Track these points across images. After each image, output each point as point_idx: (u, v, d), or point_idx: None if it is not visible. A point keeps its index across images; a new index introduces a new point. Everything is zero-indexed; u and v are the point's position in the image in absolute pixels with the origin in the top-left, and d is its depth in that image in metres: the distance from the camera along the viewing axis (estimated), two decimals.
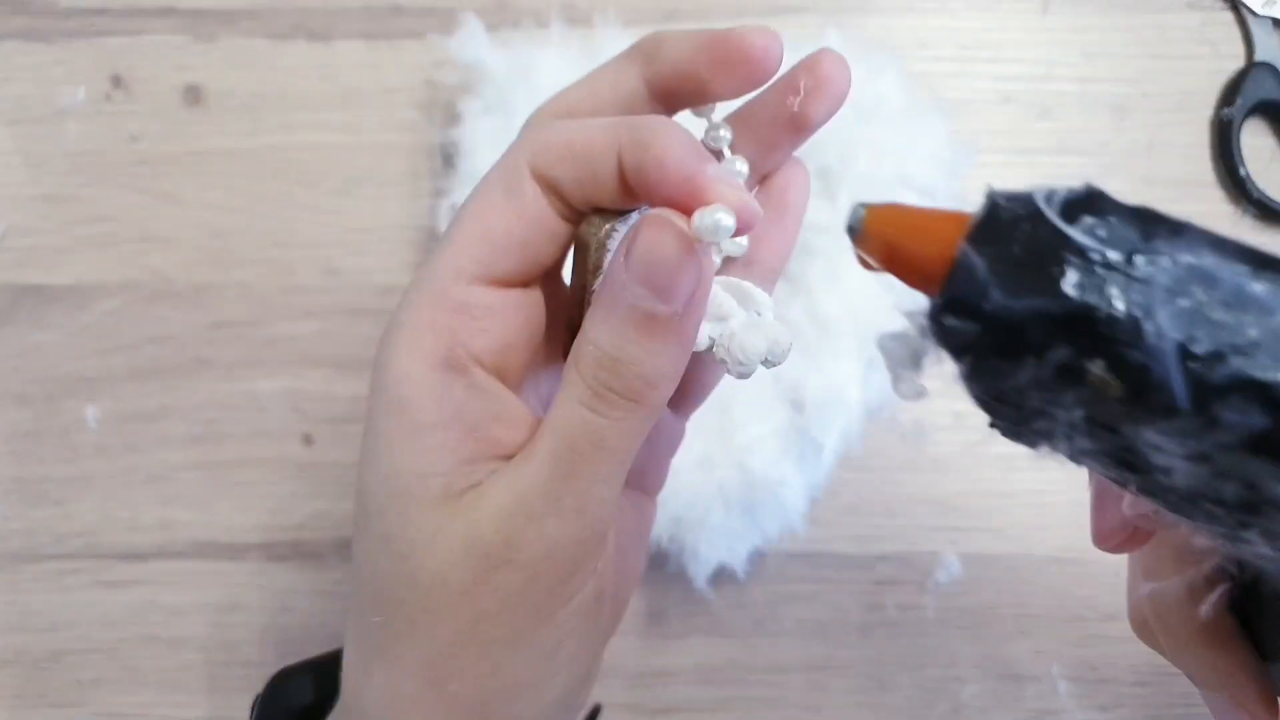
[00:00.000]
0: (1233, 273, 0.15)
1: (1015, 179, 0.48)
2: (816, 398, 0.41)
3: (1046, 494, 0.44)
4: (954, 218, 0.17)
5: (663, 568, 0.42)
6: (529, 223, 0.23)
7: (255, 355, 0.45)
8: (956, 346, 0.17)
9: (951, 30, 0.48)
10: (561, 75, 0.43)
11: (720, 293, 0.23)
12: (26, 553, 0.44)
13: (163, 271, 0.46)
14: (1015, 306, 0.15)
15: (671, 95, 0.25)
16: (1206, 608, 0.24)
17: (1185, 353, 0.14)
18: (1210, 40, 0.47)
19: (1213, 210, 0.46)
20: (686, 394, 0.28)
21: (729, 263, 0.26)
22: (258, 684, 0.43)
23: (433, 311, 0.22)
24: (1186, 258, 0.15)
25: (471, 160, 0.43)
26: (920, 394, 0.19)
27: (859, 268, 0.19)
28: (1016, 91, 0.47)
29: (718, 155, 0.25)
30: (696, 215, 0.20)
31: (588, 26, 0.45)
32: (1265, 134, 0.47)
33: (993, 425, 0.18)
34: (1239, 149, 0.45)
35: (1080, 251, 0.15)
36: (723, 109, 0.25)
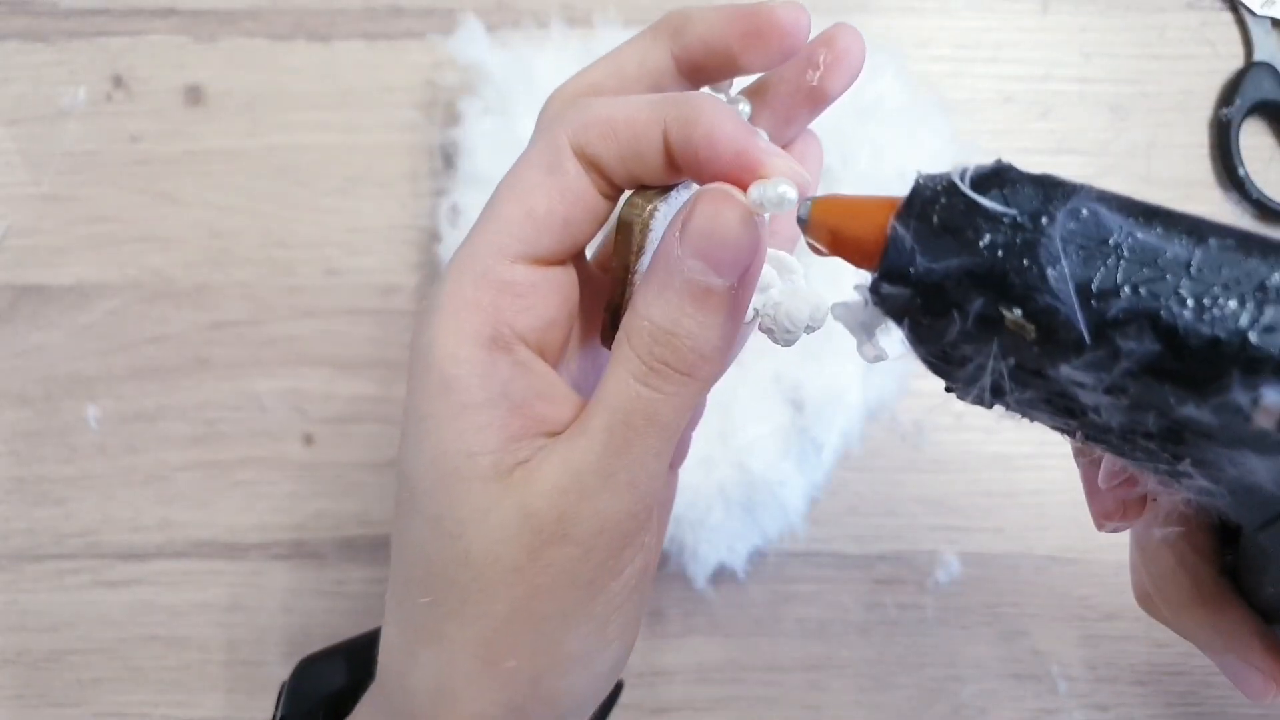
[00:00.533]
0: (1123, 222, 0.17)
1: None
2: (816, 398, 0.41)
3: (1046, 494, 0.44)
4: (886, 201, 0.19)
5: (663, 567, 0.42)
6: (571, 201, 0.23)
7: (255, 355, 0.45)
8: (895, 311, 0.19)
9: (951, 30, 0.48)
10: (561, 75, 0.43)
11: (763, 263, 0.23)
12: (27, 552, 0.44)
13: (163, 271, 0.46)
14: (936, 268, 0.17)
15: (699, 70, 0.25)
16: (1164, 533, 0.24)
17: (1084, 292, 0.16)
18: (1209, 40, 0.47)
19: (1212, 210, 0.46)
20: None
21: None
22: (258, 683, 0.43)
23: (476, 290, 0.22)
24: (1082, 212, 0.17)
25: (471, 160, 0.43)
26: (880, 357, 0.21)
27: (812, 250, 0.21)
28: (1016, 91, 0.47)
29: None
30: (755, 188, 0.20)
31: (588, 27, 0.45)
32: (1264, 134, 0.47)
33: (948, 389, 0.20)
34: (1238, 149, 0.46)
35: (989, 216, 0.17)
36: (738, 84, 0.25)
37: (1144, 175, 0.46)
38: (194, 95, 0.47)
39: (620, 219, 0.23)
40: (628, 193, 0.24)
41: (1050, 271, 0.16)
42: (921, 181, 0.18)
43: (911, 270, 0.18)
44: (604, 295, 0.25)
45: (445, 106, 0.46)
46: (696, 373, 0.22)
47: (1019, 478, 0.44)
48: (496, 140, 0.42)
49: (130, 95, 0.47)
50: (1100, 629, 0.43)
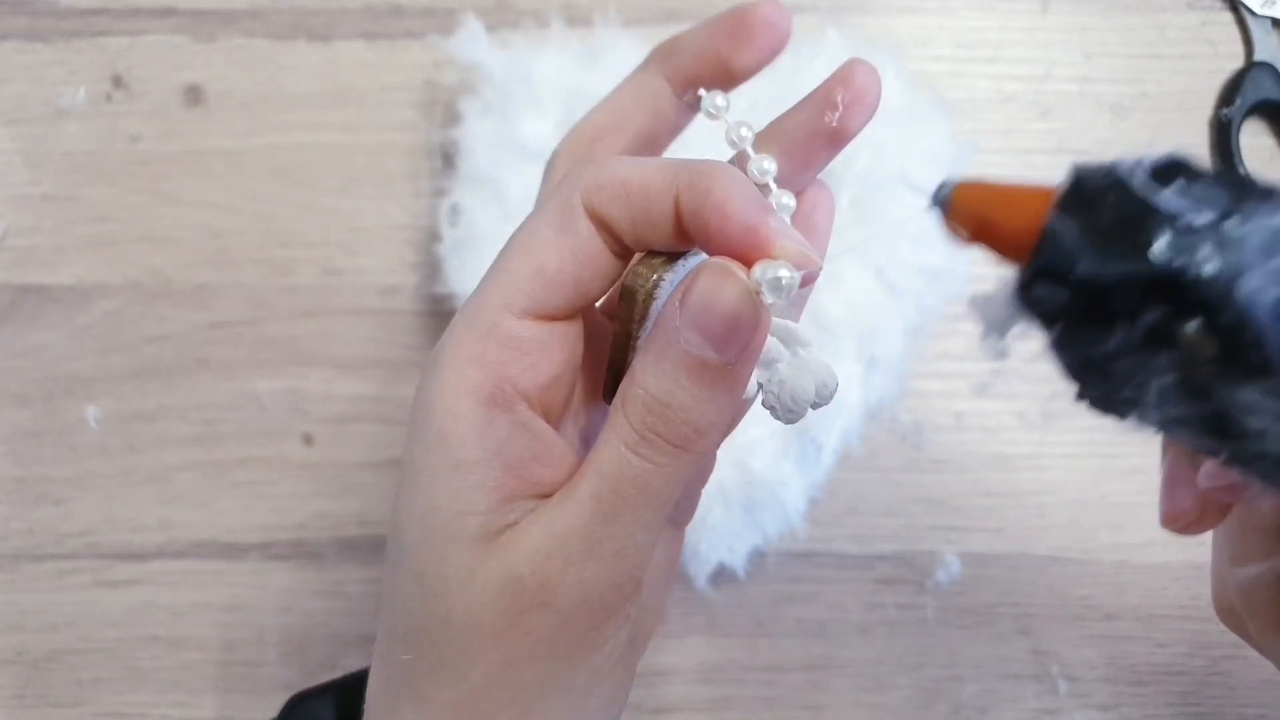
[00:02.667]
0: None
1: (1015, 178, 0.49)
2: None
3: (1046, 494, 0.44)
4: (1041, 191, 0.17)
5: None
6: (582, 260, 0.22)
7: (255, 355, 0.45)
8: (1047, 314, 0.17)
9: (951, 30, 0.48)
10: (561, 75, 0.43)
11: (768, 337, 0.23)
12: (27, 552, 0.44)
13: (163, 271, 0.46)
14: (1105, 272, 0.15)
15: (693, 83, 0.25)
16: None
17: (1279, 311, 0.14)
18: (1210, 40, 0.47)
19: None
20: None
21: None
22: (257, 683, 0.43)
23: (481, 345, 0.22)
24: (1278, 219, 0.15)
25: (471, 160, 0.43)
26: (1003, 354, 0.19)
27: (950, 238, 0.19)
28: (1016, 91, 0.47)
29: (741, 156, 0.24)
30: (759, 268, 0.20)
31: (588, 26, 0.45)
32: (1264, 134, 0.47)
33: (1080, 397, 0.18)
34: (1238, 149, 0.46)
35: (1169, 216, 0.15)
36: (739, 110, 0.25)
37: None
38: (194, 95, 0.47)
39: (625, 286, 0.23)
40: (639, 255, 0.23)
41: (1242, 284, 0.14)
42: (1085, 173, 0.17)
43: (1073, 272, 0.16)
44: (610, 348, 0.24)
45: (445, 106, 0.45)
46: (690, 446, 0.21)
47: (1019, 478, 0.44)
48: (496, 140, 0.42)
49: (130, 95, 0.47)
50: (1100, 629, 0.43)
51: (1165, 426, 0.17)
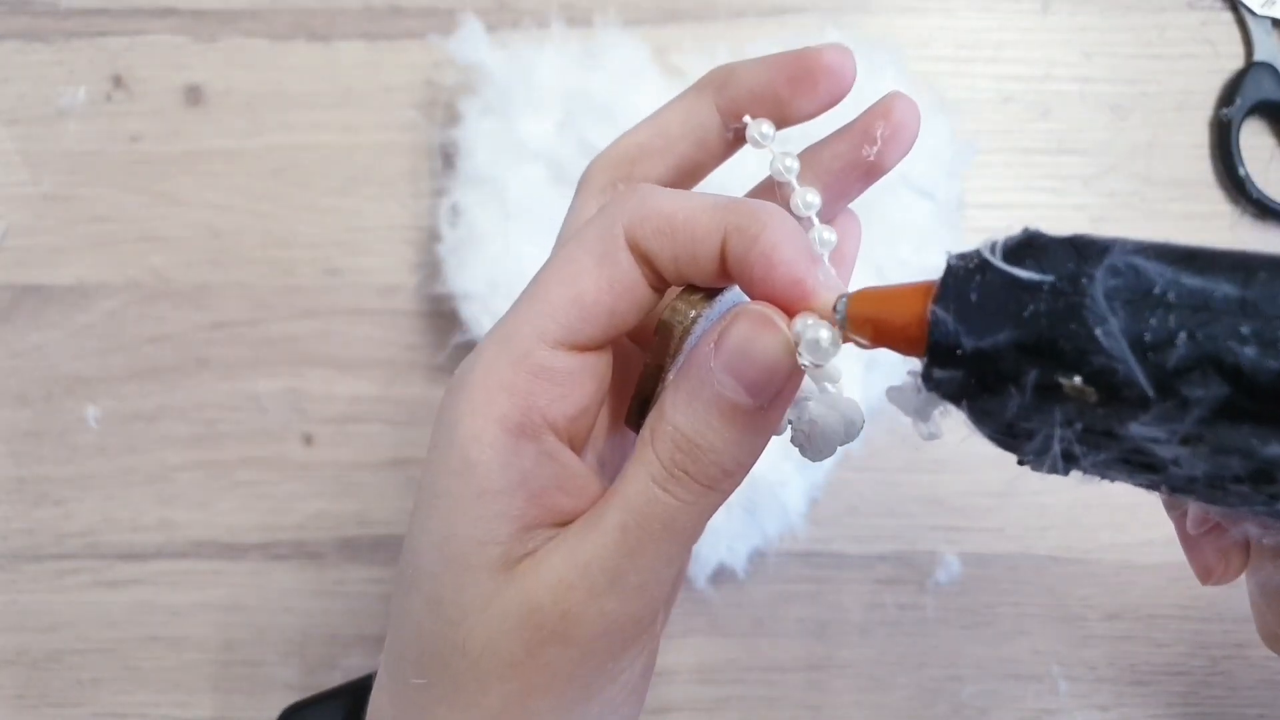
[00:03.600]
0: (1164, 270, 0.16)
1: (1015, 178, 0.49)
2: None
3: (1045, 494, 0.44)
4: (921, 287, 0.19)
5: None
6: (619, 291, 0.22)
7: (255, 355, 0.45)
8: (951, 395, 0.18)
9: (951, 30, 0.48)
10: (561, 75, 0.43)
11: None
12: (27, 552, 0.44)
13: (163, 271, 0.46)
14: (984, 346, 0.17)
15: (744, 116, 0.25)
16: None
17: (1139, 346, 0.16)
18: (1210, 40, 0.47)
19: (1212, 210, 0.46)
20: None
21: None
22: (258, 683, 0.43)
23: (513, 373, 0.22)
24: (1120, 267, 0.16)
25: (471, 160, 0.43)
26: (935, 436, 0.20)
27: (856, 346, 0.21)
28: (1016, 91, 0.47)
29: (785, 188, 0.24)
30: (800, 322, 0.20)
31: (587, 27, 0.45)
32: (1264, 134, 0.47)
33: (1020, 462, 0.19)
34: (1238, 149, 0.45)
35: (1027, 286, 0.17)
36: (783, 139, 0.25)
37: (1144, 175, 0.46)
38: (194, 95, 0.47)
39: (662, 320, 0.23)
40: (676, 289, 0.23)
41: (1099, 332, 0.16)
42: (953, 262, 0.18)
43: (959, 351, 0.17)
44: (636, 375, 0.24)
45: (445, 106, 0.45)
46: (717, 485, 0.21)
47: (1019, 478, 0.44)
48: (496, 140, 0.42)
49: (130, 95, 0.47)
50: (1100, 629, 0.43)
51: (1102, 472, 0.18)
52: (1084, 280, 0.16)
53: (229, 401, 0.45)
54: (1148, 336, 0.16)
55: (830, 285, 0.20)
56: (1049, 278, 0.17)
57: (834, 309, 0.20)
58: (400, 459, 0.44)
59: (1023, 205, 0.46)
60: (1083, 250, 0.17)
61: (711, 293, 0.23)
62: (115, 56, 0.47)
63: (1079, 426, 0.17)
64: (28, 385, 0.45)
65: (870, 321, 0.20)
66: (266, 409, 0.45)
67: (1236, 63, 0.47)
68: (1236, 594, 0.43)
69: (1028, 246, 0.17)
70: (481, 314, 0.42)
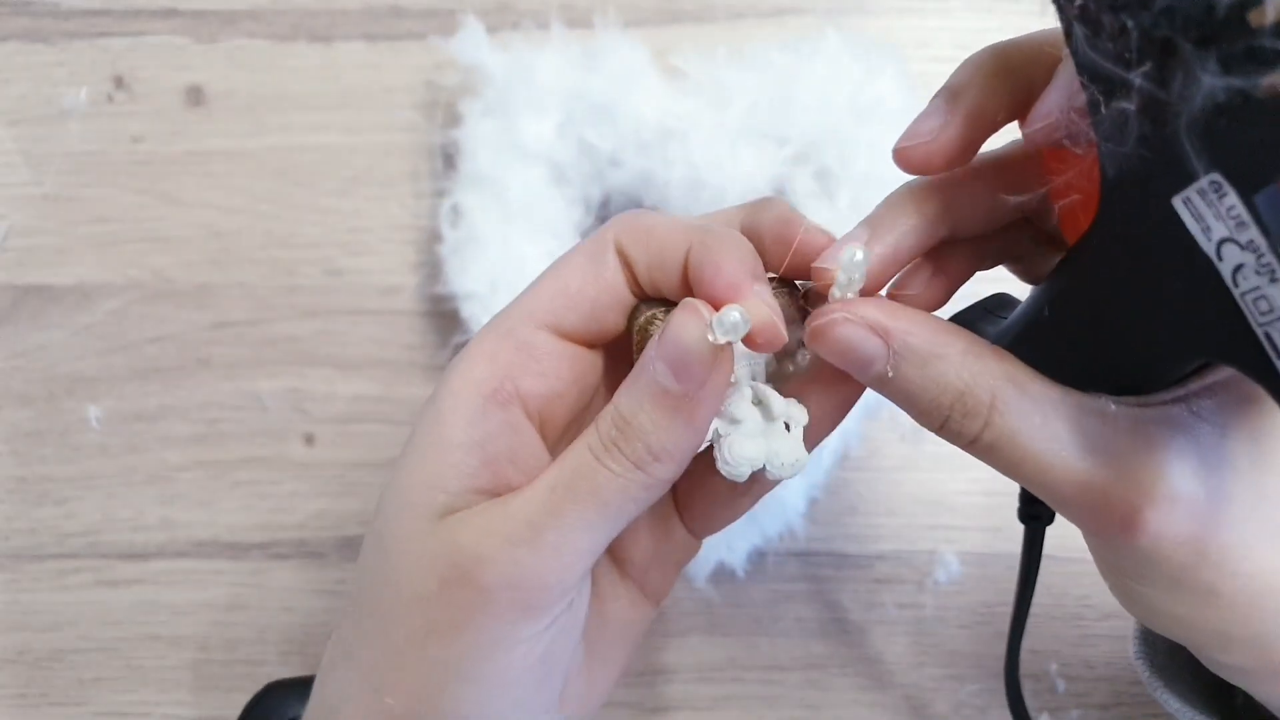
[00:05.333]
0: None
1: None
2: None
3: None
4: None
5: None
6: (602, 286, 0.25)
7: (256, 355, 0.45)
8: None
9: (950, 30, 0.48)
10: (561, 77, 0.43)
11: (744, 399, 0.25)
12: (29, 552, 0.44)
13: (164, 271, 0.46)
14: None
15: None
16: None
17: None
18: None
19: None
20: (701, 513, 0.28)
21: (789, 379, 0.26)
22: (259, 683, 0.43)
23: (496, 344, 0.24)
24: None
25: (472, 161, 0.43)
26: None
27: None
28: None
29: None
30: (720, 312, 0.22)
31: (587, 28, 0.45)
32: None
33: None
34: None
35: None
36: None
37: None
38: (195, 96, 0.47)
39: (628, 324, 0.25)
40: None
41: None
42: None
43: None
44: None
45: (446, 107, 0.46)
46: (644, 466, 0.23)
47: None
48: (497, 141, 0.43)
49: (131, 96, 0.47)
50: (1099, 628, 0.43)
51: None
52: None
53: (230, 401, 0.45)
54: None
55: (760, 294, 0.23)
56: None
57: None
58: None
59: None
60: None
61: (670, 306, 0.24)
62: (117, 57, 0.47)
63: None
64: (30, 385, 0.45)
65: None
66: (268, 409, 0.45)
67: None
68: None
69: None
70: (482, 314, 0.42)
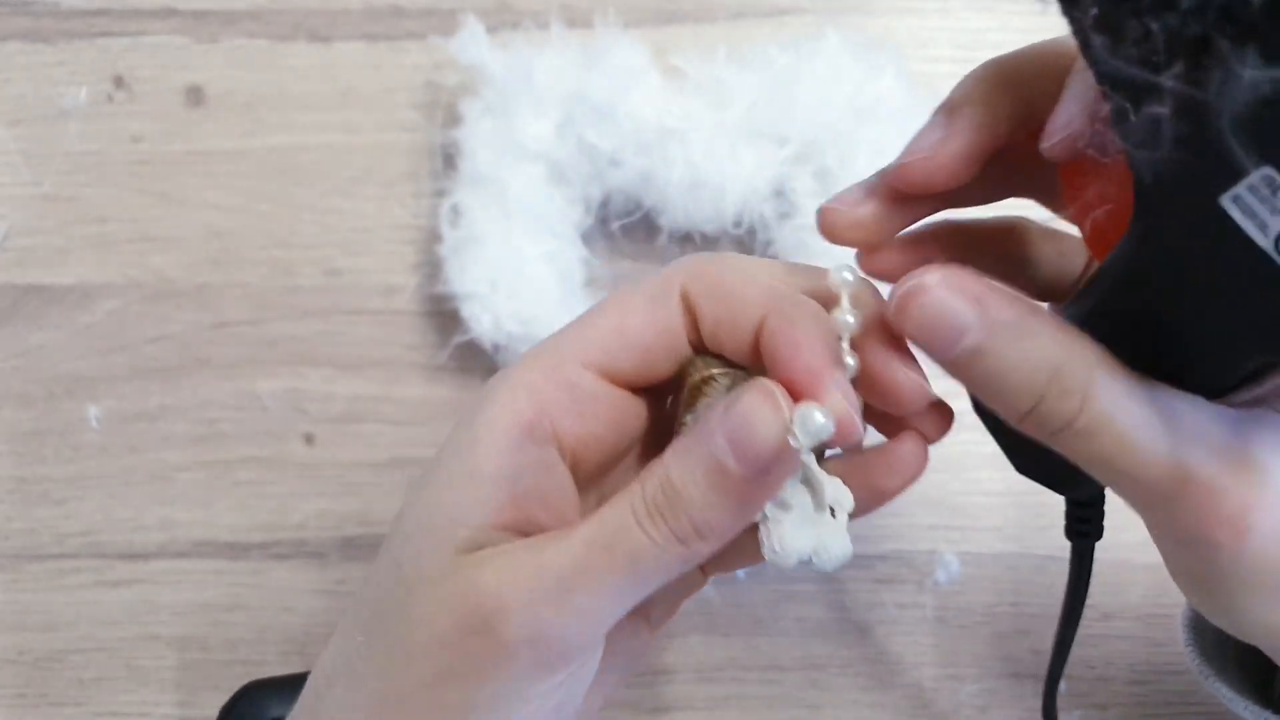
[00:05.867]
0: None
1: None
2: None
3: (1045, 493, 0.43)
4: None
5: None
6: (660, 332, 0.24)
7: (256, 355, 0.45)
8: None
9: (951, 30, 0.48)
10: (561, 77, 0.43)
11: (795, 481, 0.23)
12: (28, 552, 0.44)
13: (164, 271, 0.46)
14: None
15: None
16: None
17: None
18: None
19: None
20: (719, 560, 0.27)
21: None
22: None
23: (542, 377, 0.23)
24: None
25: (472, 161, 0.43)
26: None
27: None
28: None
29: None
30: (801, 406, 0.21)
31: (587, 28, 0.45)
32: None
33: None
34: None
35: None
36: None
37: None
38: (195, 96, 0.47)
39: (680, 371, 0.24)
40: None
41: None
42: None
43: None
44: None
45: (446, 107, 0.46)
46: (687, 540, 0.22)
47: (1018, 478, 0.44)
48: (497, 141, 0.42)
49: (131, 96, 0.47)
50: (1099, 628, 0.43)
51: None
52: None
53: (230, 401, 0.45)
54: None
55: (841, 388, 0.21)
56: None
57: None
58: (401, 458, 0.44)
59: (1022, 205, 0.46)
60: None
61: (730, 367, 0.24)
62: (116, 57, 0.47)
63: None
64: (29, 385, 0.45)
65: None
66: (268, 409, 0.45)
67: None
68: None
69: None
70: (482, 314, 0.42)
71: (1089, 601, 0.43)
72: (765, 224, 0.44)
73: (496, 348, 0.42)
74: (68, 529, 0.44)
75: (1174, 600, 0.43)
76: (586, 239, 0.45)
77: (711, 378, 0.23)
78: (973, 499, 0.44)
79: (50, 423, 0.45)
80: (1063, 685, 0.43)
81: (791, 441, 0.21)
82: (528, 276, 0.42)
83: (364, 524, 0.44)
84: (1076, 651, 0.43)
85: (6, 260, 0.46)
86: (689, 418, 0.24)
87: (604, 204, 0.44)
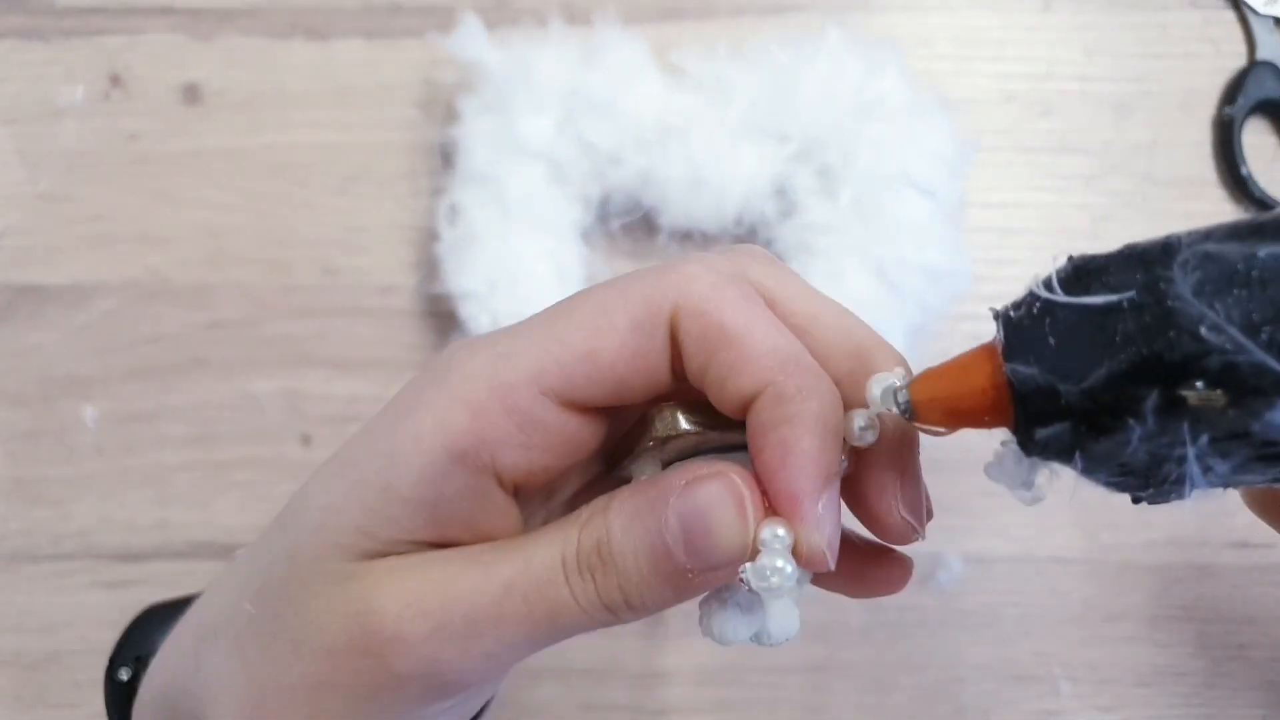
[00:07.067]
0: (1238, 248, 0.15)
1: (1016, 177, 0.48)
2: None
3: (1047, 495, 0.43)
4: (981, 352, 0.18)
5: None
6: (639, 367, 0.20)
7: (253, 355, 0.45)
8: (1060, 450, 0.17)
9: (953, 28, 0.47)
10: (560, 74, 0.42)
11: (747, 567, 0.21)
12: (24, 553, 0.44)
13: (160, 271, 0.45)
14: (1086, 386, 0.16)
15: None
16: None
17: (1251, 329, 0.15)
18: (1212, 39, 0.47)
19: (1214, 209, 0.46)
20: None
21: None
22: None
23: (489, 397, 0.20)
24: (1193, 259, 0.15)
25: (470, 159, 0.42)
26: (1039, 499, 0.20)
27: (925, 430, 0.20)
28: (1018, 90, 0.47)
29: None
30: (767, 530, 0.19)
31: (586, 25, 0.45)
32: (1267, 133, 0.47)
33: (1136, 500, 0.18)
34: (1240, 148, 0.45)
35: (1106, 311, 0.16)
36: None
37: (1146, 174, 0.46)
38: (191, 94, 0.47)
39: (648, 415, 0.21)
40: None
41: (1204, 329, 0.15)
42: (1009, 314, 0.17)
43: (1061, 401, 0.16)
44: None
45: (444, 105, 0.45)
46: (614, 608, 0.20)
47: None
48: (495, 139, 0.42)
49: (127, 94, 0.47)
50: (1102, 631, 0.43)
51: (1231, 480, 0.17)
52: (1162, 285, 0.15)
53: (227, 401, 0.45)
54: (1255, 316, 0.15)
55: (821, 521, 0.19)
56: (1126, 294, 0.16)
57: (894, 400, 0.19)
58: None
59: (1024, 204, 0.46)
60: (1145, 256, 0.16)
61: (712, 424, 0.21)
62: (113, 55, 0.47)
63: (1206, 438, 0.15)
64: (25, 385, 0.45)
65: (939, 403, 0.18)
66: (264, 409, 0.44)
67: (1239, 61, 0.47)
68: (1238, 595, 0.43)
69: (1084, 272, 0.16)
70: (480, 313, 0.41)
71: (1092, 604, 0.43)
72: (766, 222, 0.44)
73: None
74: (64, 530, 0.44)
75: (1176, 602, 0.43)
76: (586, 237, 0.44)
77: (682, 433, 0.21)
78: (975, 500, 0.43)
79: (46, 423, 0.45)
80: (1065, 686, 0.43)
81: (741, 569, 0.19)
82: (526, 275, 0.42)
83: None
84: (1080, 653, 0.43)
85: (2, 260, 0.46)
86: (648, 470, 0.21)
87: (603, 202, 0.44)
